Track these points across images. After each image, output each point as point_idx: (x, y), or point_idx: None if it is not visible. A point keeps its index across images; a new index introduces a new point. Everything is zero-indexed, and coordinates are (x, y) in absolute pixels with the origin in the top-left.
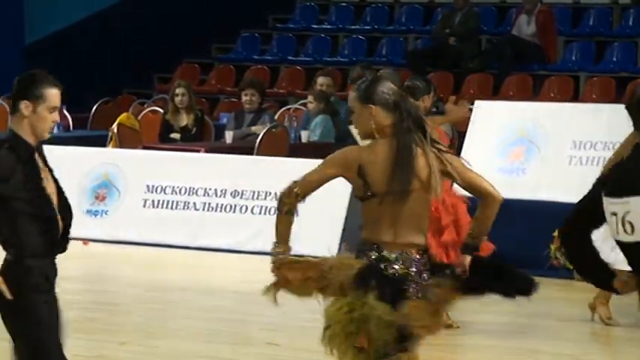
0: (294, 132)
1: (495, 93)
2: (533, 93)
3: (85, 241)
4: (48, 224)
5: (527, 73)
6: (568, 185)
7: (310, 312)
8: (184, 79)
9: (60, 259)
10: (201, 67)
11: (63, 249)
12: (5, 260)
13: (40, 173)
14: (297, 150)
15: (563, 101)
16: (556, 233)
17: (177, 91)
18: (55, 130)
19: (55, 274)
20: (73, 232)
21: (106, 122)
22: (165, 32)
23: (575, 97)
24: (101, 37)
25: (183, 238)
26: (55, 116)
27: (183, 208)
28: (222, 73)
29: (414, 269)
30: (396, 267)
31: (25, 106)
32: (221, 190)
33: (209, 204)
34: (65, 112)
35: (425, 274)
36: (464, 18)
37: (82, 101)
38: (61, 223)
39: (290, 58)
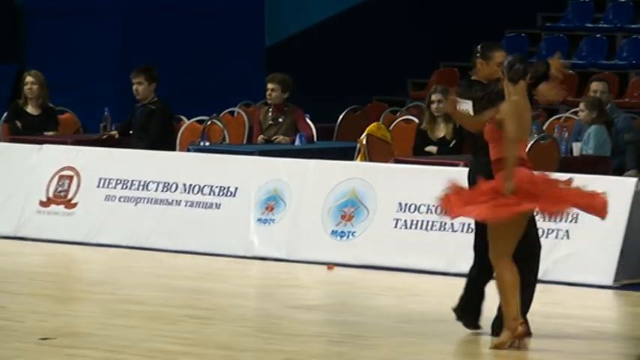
0: (565, 144)
1: None
2: None
3: (330, 265)
4: None
5: None
6: None
7: None
8: (441, 84)
9: (303, 288)
10: (461, 71)
11: None
12: None
13: None
14: (568, 164)
15: None
16: None
17: (434, 97)
18: (298, 142)
19: None
20: (317, 255)
21: (354, 133)
22: (420, 33)
23: None
24: (347, 39)
25: (439, 263)
26: None
27: (440, 229)
28: None
29: None
30: None
31: None
32: None
33: (469, 225)
34: (308, 121)
35: None
36: None
37: (328, 110)
38: None
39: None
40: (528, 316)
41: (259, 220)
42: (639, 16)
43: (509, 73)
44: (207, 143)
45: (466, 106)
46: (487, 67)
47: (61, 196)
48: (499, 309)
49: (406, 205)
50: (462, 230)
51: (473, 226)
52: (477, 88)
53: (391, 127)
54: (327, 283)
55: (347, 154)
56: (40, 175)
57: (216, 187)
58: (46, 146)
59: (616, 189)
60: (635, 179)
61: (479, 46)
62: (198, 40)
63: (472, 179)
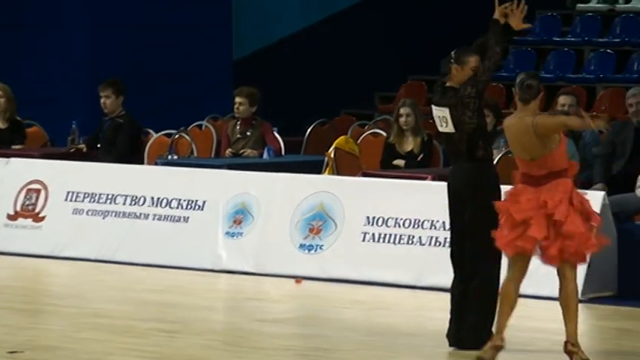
0: None
1: None
2: None
3: (298, 279)
4: None
5: None
6: None
7: None
8: (409, 97)
9: (271, 301)
10: (429, 85)
11: None
12: None
13: None
14: None
15: None
16: None
17: (402, 111)
18: (265, 155)
19: None
20: (285, 268)
21: (322, 147)
22: (388, 47)
23: None
24: (315, 53)
25: (406, 277)
26: None
27: (408, 243)
28: None
29: None
30: None
31: None
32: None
33: (436, 238)
34: (276, 135)
35: None
36: None
37: (296, 123)
38: None
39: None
40: None
41: (227, 233)
42: (606, 30)
43: (520, 92)
44: (175, 157)
45: (442, 113)
46: (462, 73)
47: (28, 210)
48: (450, 321)
49: (374, 218)
50: (430, 244)
51: (441, 239)
52: (450, 94)
53: (359, 141)
54: (295, 296)
55: (315, 168)
56: (7, 189)
57: (184, 200)
58: (13, 160)
59: None
60: (602, 193)
61: (453, 52)
62: (166, 53)
63: (452, 184)
